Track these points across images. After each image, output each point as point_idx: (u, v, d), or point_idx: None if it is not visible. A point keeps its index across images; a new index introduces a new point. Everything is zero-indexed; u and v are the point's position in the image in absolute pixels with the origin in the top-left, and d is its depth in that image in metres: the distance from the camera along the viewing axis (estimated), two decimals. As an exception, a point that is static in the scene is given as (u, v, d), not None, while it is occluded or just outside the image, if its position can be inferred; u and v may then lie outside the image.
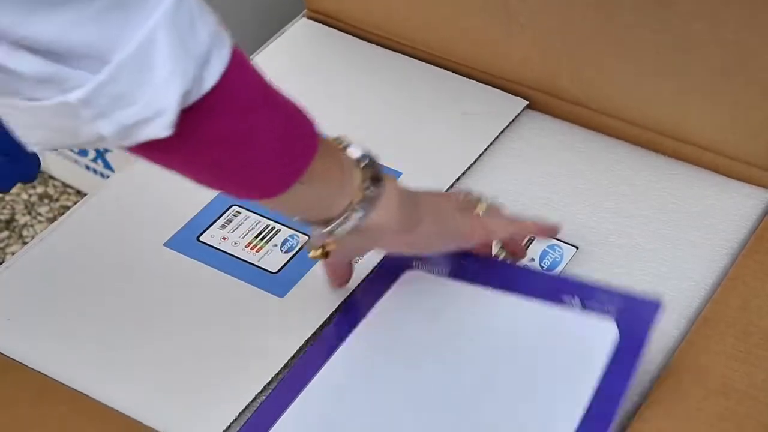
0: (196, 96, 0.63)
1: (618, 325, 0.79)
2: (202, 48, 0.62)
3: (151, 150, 0.64)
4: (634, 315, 0.80)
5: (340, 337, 0.84)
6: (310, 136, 0.72)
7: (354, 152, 0.77)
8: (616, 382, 0.76)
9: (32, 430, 0.78)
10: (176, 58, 0.60)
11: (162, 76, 0.60)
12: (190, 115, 0.63)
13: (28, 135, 0.64)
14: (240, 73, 0.65)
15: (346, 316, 0.86)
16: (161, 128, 0.62)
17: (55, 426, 0.78)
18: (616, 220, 0.93)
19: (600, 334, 0.79)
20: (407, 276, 0.87)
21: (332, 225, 0.77)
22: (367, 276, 0.88)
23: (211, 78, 0.63)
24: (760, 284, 0.86)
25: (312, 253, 0.81)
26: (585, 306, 0.81)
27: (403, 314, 0.85)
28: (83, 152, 1.78)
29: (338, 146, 0.77)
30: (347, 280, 0.87)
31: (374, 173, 0.77)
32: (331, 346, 0.83)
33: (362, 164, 0.77)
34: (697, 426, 0.77)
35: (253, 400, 0.81)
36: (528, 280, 0.85)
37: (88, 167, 1.79)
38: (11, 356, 0.84)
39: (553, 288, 0.83)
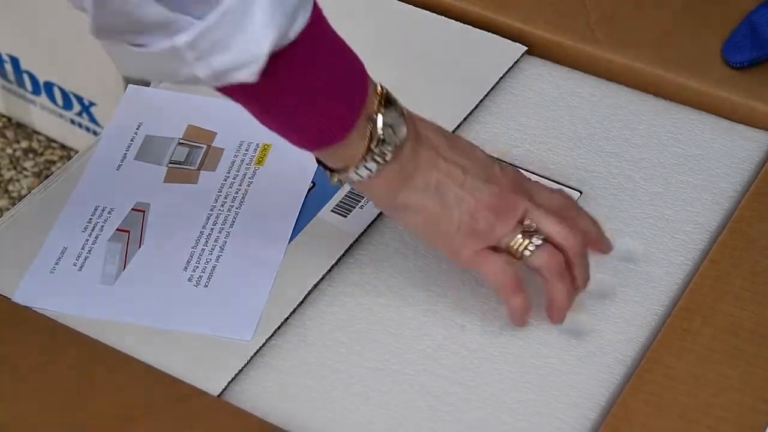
0: (280, 47, 0.68)
1: None
2: (293, 2, 0.67)
3: (235, 92, 0.71)
4: None
5: None
6: (361, 77, 0.75)
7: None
8: None
9: (43, 373, 0.78)
10: (273, 10, 0.66)
11: (258, 27, 0.66)
12: (274, 64, 0.68)
13: (129, 69, 0.71)
14: (318, 27, 0.71)
15: None
16: (249, 75, 0.68)
17: (67, 369, 0.78)
18: (619, 164, 0.94)
19: None
20: None
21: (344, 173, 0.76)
22: None
23: (294, 32, 0.68)
24: (765, 225, 0.86)
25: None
26: None
27: None
28: (68, 107, 1.76)
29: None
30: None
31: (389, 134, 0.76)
32: None
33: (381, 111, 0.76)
34: (707, 365, 0.78)
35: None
36: None
37: (73, 121, 1.78)
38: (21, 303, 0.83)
39: None
